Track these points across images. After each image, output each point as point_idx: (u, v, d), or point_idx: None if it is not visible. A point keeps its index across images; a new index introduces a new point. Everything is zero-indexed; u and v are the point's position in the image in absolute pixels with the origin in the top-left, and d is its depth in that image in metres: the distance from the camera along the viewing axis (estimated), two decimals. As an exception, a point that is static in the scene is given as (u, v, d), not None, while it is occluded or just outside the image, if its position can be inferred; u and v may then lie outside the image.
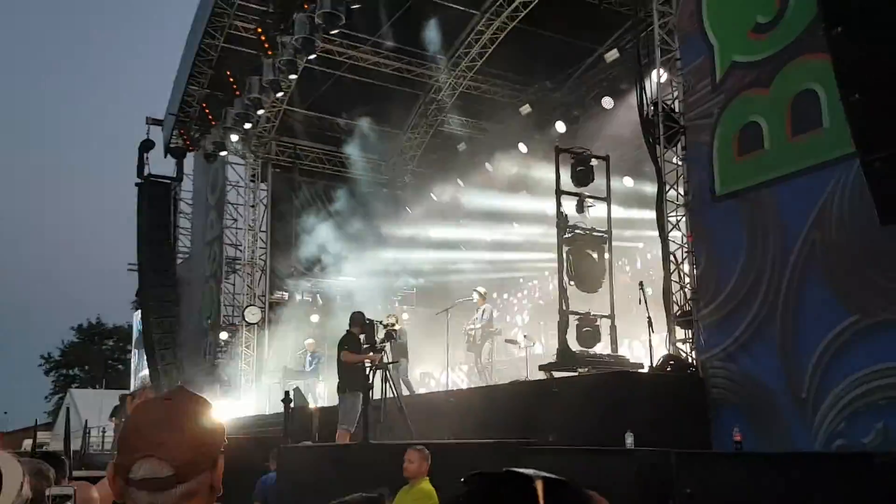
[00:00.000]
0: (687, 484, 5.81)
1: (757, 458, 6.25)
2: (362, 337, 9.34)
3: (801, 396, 6.81)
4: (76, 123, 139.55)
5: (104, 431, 22.14)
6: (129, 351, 40.09)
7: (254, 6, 15.49)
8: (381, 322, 9.46)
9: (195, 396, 1.43)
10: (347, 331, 9.45)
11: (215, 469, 1.37)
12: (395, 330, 9.45)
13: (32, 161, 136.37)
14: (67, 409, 22.32)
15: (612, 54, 14.23)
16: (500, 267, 17.15)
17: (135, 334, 31.81)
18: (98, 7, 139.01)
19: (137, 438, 1.32)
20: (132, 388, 27.94)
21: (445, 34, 16.38)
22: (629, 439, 6.47)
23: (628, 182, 13.18)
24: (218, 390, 17.79)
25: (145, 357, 23.62)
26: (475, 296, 12.83)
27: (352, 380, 9.05)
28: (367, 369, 9.03)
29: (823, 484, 5.31)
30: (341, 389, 9.18)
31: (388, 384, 8.99)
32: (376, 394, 8.93)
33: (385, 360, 9.25)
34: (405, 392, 11.19)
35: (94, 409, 25.22)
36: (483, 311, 12.63)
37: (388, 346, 9.52)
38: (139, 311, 25.74)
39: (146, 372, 16.99)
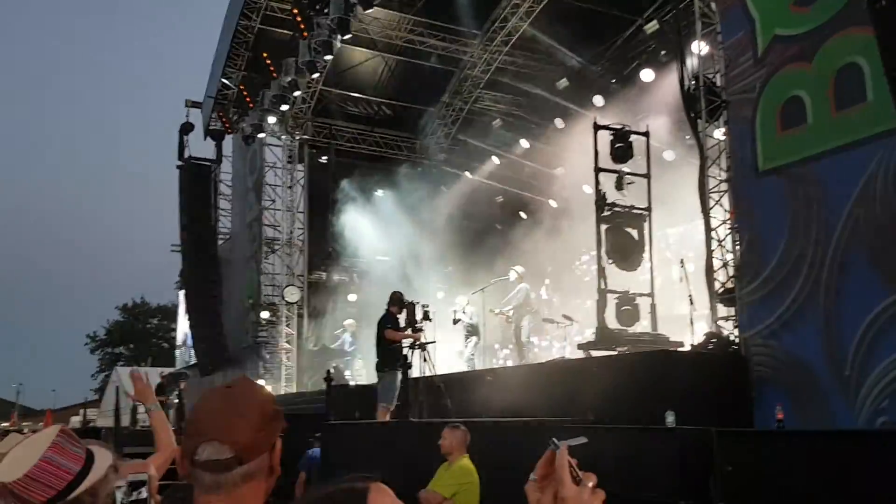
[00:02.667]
0: (728, 462, 5.80)
1: (799, 436, 6.21)
2: (402, 317, 9.44)
3: (844, 374, 6.73)
4: (119, 107, 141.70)
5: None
6: (174, 329, 40.94)
7: (290, -14, 15.56)
8: (418, 302, 9.54)
9: (255, 385, 1.53)
10: (386, 310, 9.55)
11: (274, 452, 1.47)
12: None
13: (76, 145, 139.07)
14: (117, 387, 22.88)
15: (652, 26, 13.96)
16: (537, 244, 17.08)
17: (179, 313, 32.45)
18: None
19: (201, 423, 1.41)
20: (176, 367, 28.58)
21: (480, 9, 16.25)
22: (670, 418, 6.46)
23: (669, 156, 12.99)
24: (260, 368, 18.13)
25: (189, 335, 24.14)
26: (512, 275, 12.85)
27: (391, 358, 9.17)
28: (406, 348, 9.16)
29: (866, 461, 5.26)
30: (380, 368, 9.30)
31: (426, 362, 9.09)
32: (415, 372, 9.05)
33: (424, 339, 9.34)
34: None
35: (140, 386, 25.81)
36: (518, 291, 12.63)
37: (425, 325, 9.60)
38: (183, 290, 26.27)
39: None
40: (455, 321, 12.85)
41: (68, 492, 1.81)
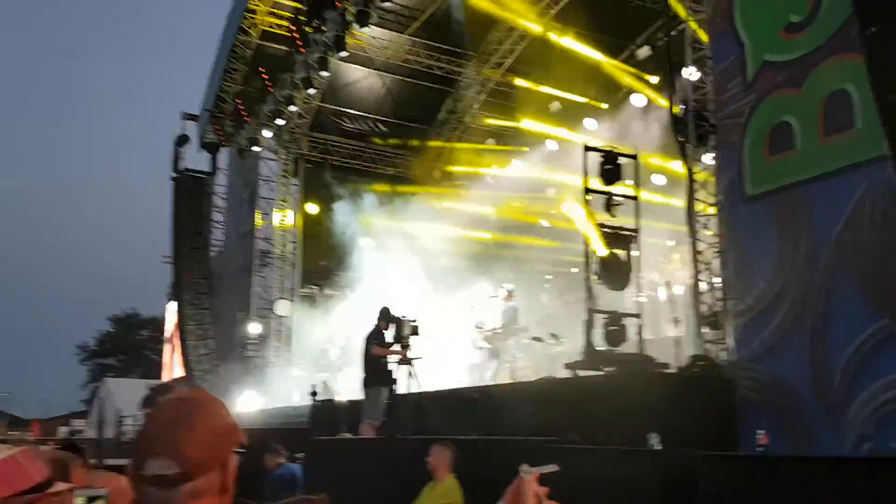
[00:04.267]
0: (712, 486, 5.78)
1: (783, 461, 6.19)
2: (389, 332, 9.42)
3: (830, 400, 6.72)
4: (113, 117, 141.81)
5: (139, 421, 22.54)
6: (164, 341, 40.68)
7: (286, 3, 15.67)
8: (406, 317, 9.52)
9: (208, 397, 1.47)
10: (375, 325, 9.54)
11: (226, 469, 1.40)
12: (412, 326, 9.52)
13: (69, 154, 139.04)
14: (101, 398, 22.77)
15: (644, 51, 14.14)
16: (527, 264, 17.11)
17: (169, 324, 32.30)
18: (136, 2, 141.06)
19: (149, 436, 1.37)
20: (165, 378, 28.40)
21: (476, 31, 16.39)
22: (654, 440, 6.44)
23: (658, 180, 13.09)
24: (249, 381, 18.04)
25: (179, 347, 24.02)
26: (502, 293, 12.86)
27: (377, 374, 9.14)
28: (393, 364, 9.13)
29: (851, 488, 5.25)
30: (367, 383, 9.27)
31: (413, 379, 9.06)
32: (402, 388, 9.01)
33: (410, 355, 9.32)
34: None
35: (129, 398, 25.67)
36: (507, 309, 12.64)
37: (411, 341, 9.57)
38: (173, 302, 26.17)
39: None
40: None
41: (27, 493, 1.79)
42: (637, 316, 9.05)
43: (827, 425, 6.75)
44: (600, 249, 9.01)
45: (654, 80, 13.29)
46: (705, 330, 8.32)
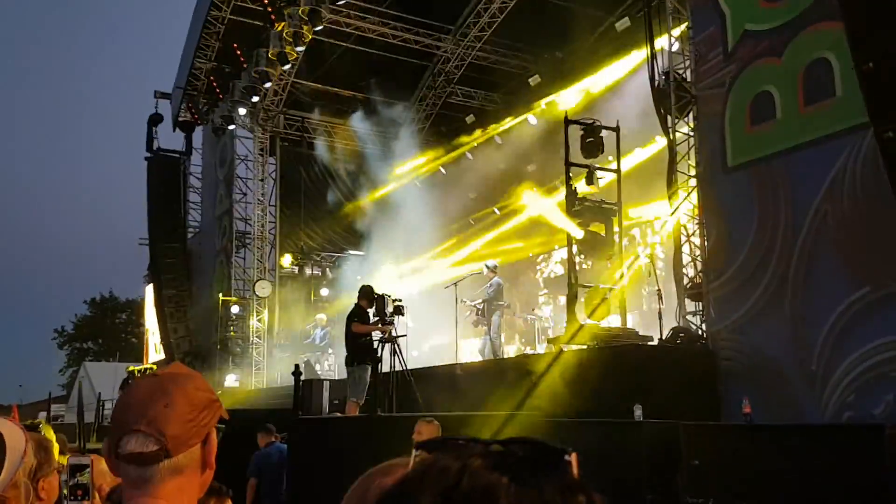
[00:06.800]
0: (695, 456, 5.82)
1: (766, 430, 6.25)
2: (371, 310, 9.37)
3: (812, 369, 6.78)
4: (85, 97, 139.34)
5: (118, 404, 22.38)
6: (142, 324, 40.36)
7: (260, -24, 15.35)
8: (390, 296, 9.46)
9: (186, 372, 1.41)
10: (356, 304, 9.48)
11: (207, 445, 1.36)
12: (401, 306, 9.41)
13: (42, 136, 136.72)
14: (80, 382, 22.57)
15: (624, 23, 14.02)
16: (510, 239, 17.08)
17: (147, 307, 32.04)
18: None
19: (126, 413, 1.31)
20: (144, 363, 28.20)
21: (454, 3, 16.18)
22: (638, 411, 6.47)
23: (639, 153, 13.03)
24: (229, 363, 17.92)
25: (158, 330, 23.84)
26: (484, 269, 12.82)
27: (360, 352, 9.09)
28: (376, 342, 9.09)
29: (833, 455, 5.30)
30: (350, 362, 9.23)
31: (396, 357, 9.03)
32: (385, 366, 8.98)
33: (394, 332, 9.27)
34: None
35: (108, 381, 25.51)
36: (490, 285, 12.61)
37: (396, 319, 9.52)
38: (151, 284, 25.91)
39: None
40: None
41: None
42: (620, 289, 9.07)
43: (808, 394, 6.81)
44: (575, 232, 8.98)
45: (635, 52, 13.17)
46: (687, 302, 8.34)
